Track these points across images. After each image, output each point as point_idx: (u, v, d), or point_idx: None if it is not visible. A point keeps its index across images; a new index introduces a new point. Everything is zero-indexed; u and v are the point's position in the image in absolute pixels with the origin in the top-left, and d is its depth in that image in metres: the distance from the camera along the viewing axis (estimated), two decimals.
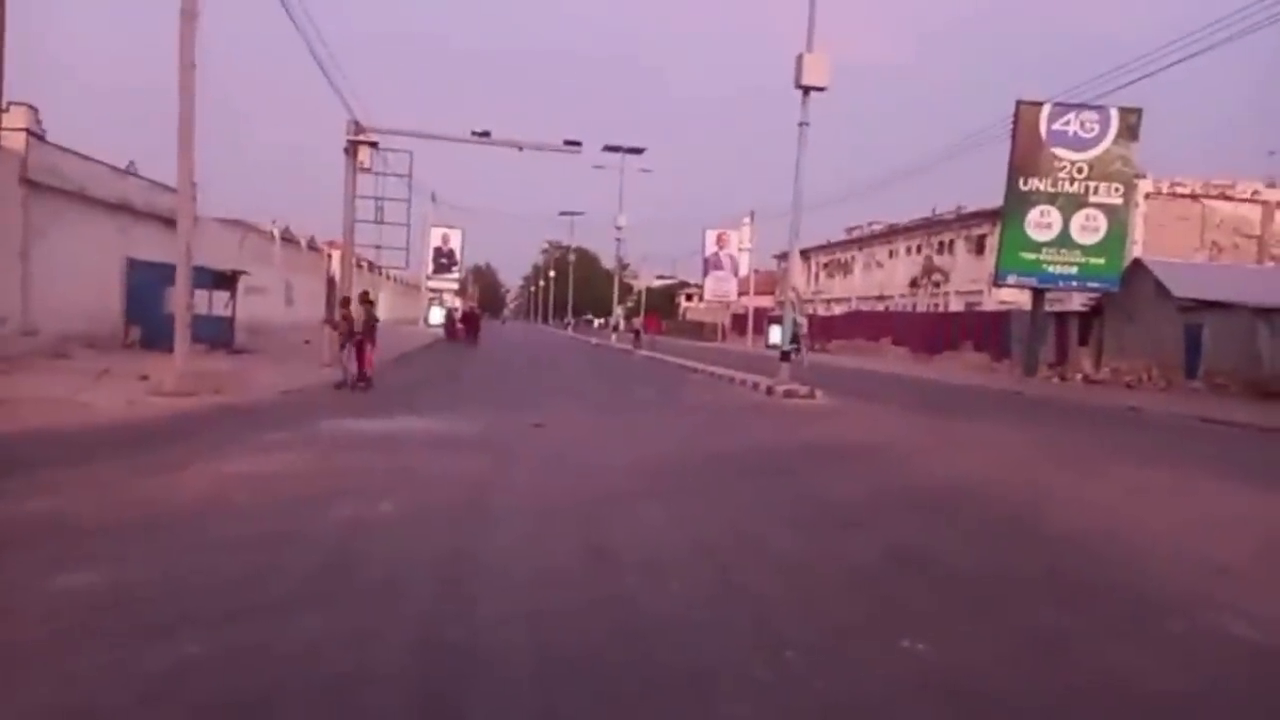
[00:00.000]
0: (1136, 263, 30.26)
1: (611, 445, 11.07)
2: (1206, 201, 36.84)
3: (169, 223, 16.73)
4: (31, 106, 18.12)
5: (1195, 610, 5.10)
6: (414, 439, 10.53)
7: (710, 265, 66.19)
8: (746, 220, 63.40)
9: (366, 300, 17.22)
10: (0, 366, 14.43)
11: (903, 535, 6.67)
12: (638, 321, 45.01)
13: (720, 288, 66.64)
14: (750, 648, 4.20)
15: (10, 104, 15.63)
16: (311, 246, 42.04)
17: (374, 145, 23.26)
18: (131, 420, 10.82)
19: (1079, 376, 29.75)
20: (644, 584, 5.16)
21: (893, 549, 6.20)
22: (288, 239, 37.83)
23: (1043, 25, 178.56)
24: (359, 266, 34.29)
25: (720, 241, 65.41)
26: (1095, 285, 29.82)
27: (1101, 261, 29.02)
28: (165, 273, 16.05)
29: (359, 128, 22.68)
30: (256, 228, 34.21)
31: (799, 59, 18.78)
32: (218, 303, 22.89)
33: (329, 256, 41.85)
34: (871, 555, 6.02)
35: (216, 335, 21.46)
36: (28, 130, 17.73)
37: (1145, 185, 35.17)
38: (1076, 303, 32.72)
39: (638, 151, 37.39)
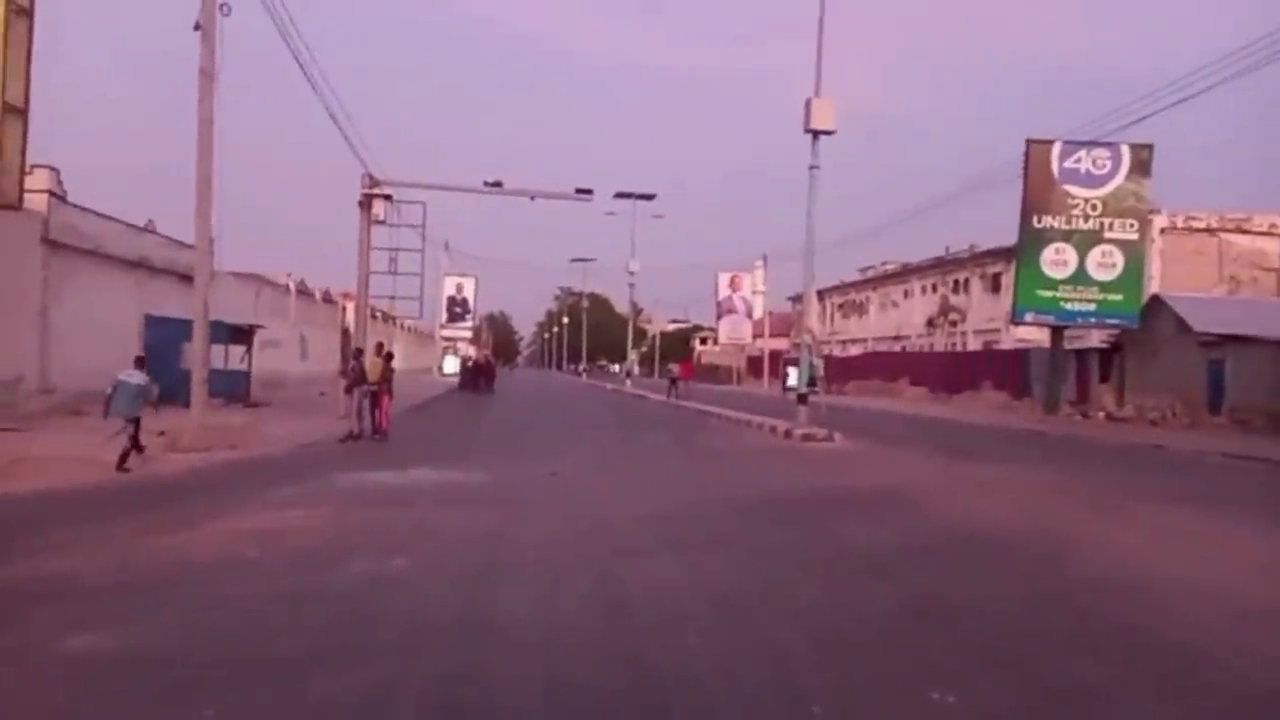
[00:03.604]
0: (1155, 298, 30.04)
1: (627, 494, 10.93)
2: (1223, 235, 36.64)
3: (186, 278, 16.91)
4: (53, 168, 18.47)
5: (1226, 659, 4.93)
6: (428, 491, 10.45)
7: (724, 309, 66.27)
8: (759, 263, 63.61)
9: (384, 353, 17.26)
10: (19, 425, 14.51)
11: (927, 583, 6.51)
12: (675, 368, 38.81)
13: (735, 331, 66.63)
14: (773, 703, 4.07)
15: (33, 166, 15.92)
16: (326, 299, 42.40)
17: (388, 198, 23.51)
18: (148, 477, 10.81)
19: (1102, 414, 29.36)
20: (661, 638, 5.04)
21: (917, 598, 6.05)
22: (303, 292, 38.19)
23: (1049, 63, 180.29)
24: (373, 317, 34.52)
25: (733, 284, 65.55)
26: (1114, 322, 29.60)
27: (1120, 298, 28.82)
28: (182, 328, 16.17)
29: (373, 181, 22.96)
30: (272, 281, 34.53)
31: (807, 104, 18.96)
32: (234, 357, 23.04)
33: (344, 308, 42.17)
34: (895, 604, 5.87)
35: (233, 389, 21.57)
36: (50, 192, 18.05)
37: (1160, 220, 35.03)
38: (1096, 339, 32.44)
39: (648, 198, 37.69)
